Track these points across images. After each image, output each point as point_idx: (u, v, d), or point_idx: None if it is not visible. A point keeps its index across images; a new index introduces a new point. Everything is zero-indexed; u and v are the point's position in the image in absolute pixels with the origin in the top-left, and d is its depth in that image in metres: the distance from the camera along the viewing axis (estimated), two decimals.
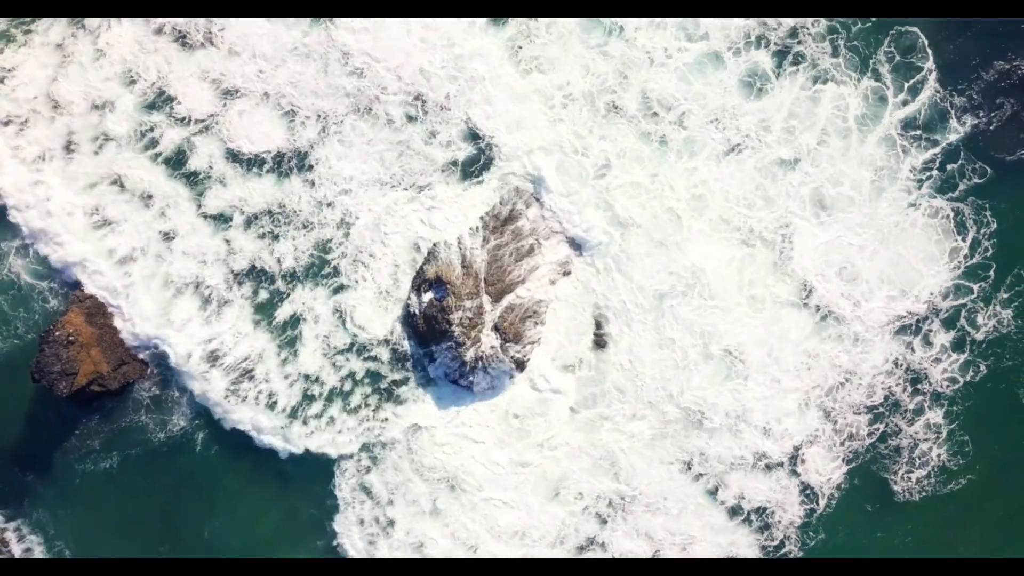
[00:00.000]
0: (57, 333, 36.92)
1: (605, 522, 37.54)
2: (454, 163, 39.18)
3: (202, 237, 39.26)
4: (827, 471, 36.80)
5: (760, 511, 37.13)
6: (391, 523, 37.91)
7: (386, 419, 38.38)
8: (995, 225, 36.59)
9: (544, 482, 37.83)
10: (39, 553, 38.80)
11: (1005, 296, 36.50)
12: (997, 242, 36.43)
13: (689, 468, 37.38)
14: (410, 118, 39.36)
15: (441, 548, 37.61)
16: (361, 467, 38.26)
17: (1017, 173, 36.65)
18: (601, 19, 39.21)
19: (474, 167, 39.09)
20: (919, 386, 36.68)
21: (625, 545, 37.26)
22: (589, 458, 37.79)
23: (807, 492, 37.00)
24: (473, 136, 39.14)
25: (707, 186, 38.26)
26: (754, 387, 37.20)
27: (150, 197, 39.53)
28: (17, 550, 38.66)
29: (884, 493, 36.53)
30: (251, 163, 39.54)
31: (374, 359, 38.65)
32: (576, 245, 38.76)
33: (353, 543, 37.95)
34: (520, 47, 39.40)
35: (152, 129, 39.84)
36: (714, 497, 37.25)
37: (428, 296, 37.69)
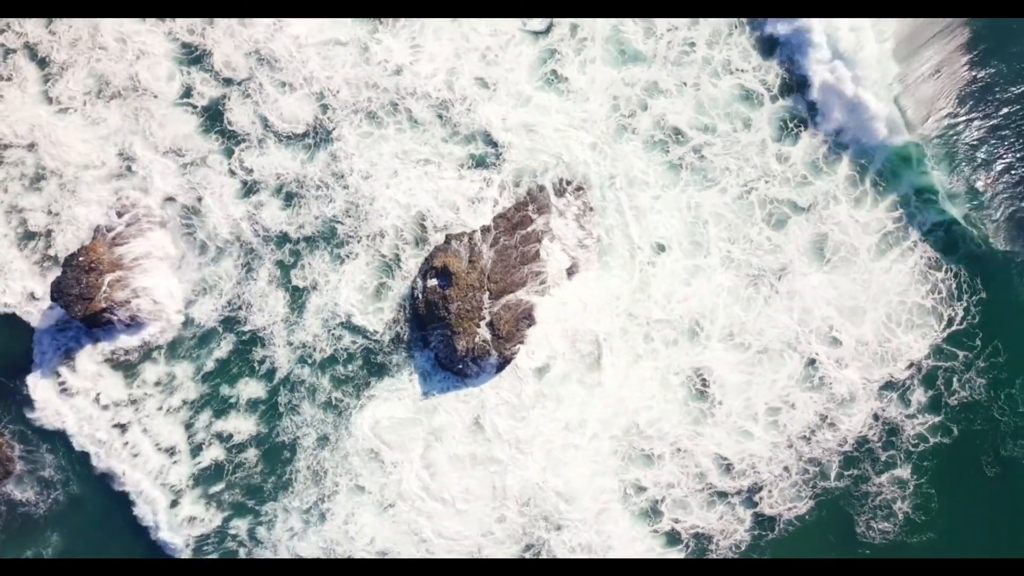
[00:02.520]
0: (80, 259, 39.29)
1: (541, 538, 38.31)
2: (471, 163, 41.14)
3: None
4: (786, 505, 37.18)
5: (700, 536, 37.55)
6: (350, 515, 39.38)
7: (372, 395, 39.86)
8: (984, 294, 37.21)
9: (494, 484, 38.82)
10: None
11: (982, 365, 36.83)
12: (983, 310, 37.03)
13: (639, 492, 38.00)
14: (438, 116, 41.57)
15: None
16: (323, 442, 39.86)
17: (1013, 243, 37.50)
18: (632, 45, 41.46)
19: (491, 170, 40.95)
20: (893, 439, 37.01)
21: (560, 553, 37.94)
22: (538, 466, 38.66)
23: (761, 521, 37.34)
24: (492, 143, 41.13)
25: (710, 218, 39.61)
26: (723, 421, 37.93)
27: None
28: None
29: (847, 530, 36.72)
30: (278, 137, 42.16)
31: (370, 334, 40.40)
32: (578, 257, 40.23)
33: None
34: (549, 64, 41.51)
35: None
36: (655, 518, 37.84)
37: (433, 282, 39.32)
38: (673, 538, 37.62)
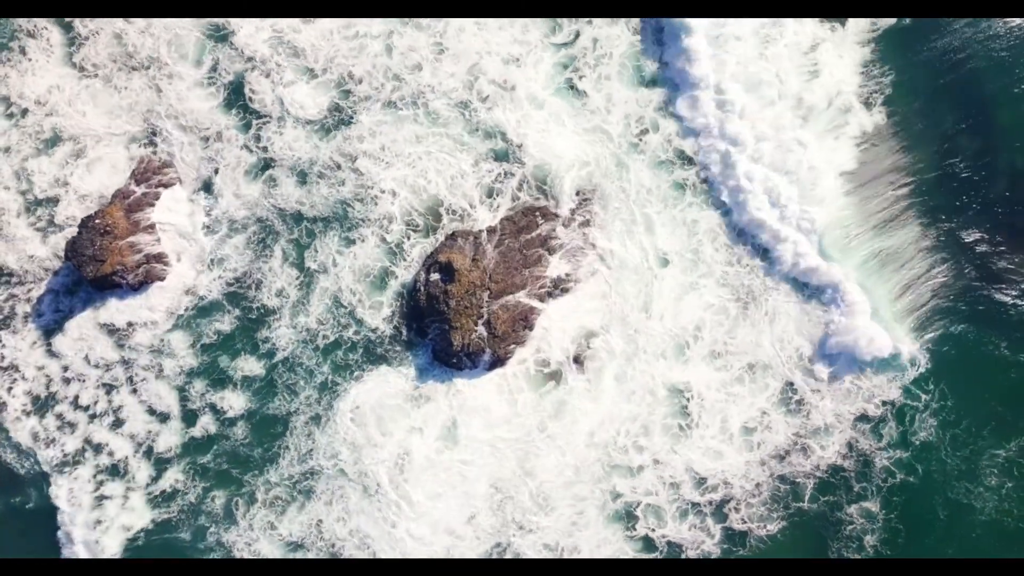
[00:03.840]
0: (96, 221, 40.35)
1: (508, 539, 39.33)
2: (487, 158, 42.36)
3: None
4: (756, 522, 38.16)
5: (672, 544, 38.48)
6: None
7: (365, 381, 41.01)
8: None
9: (470, 480, 39.84)
10: None
11: (935, 406, 37.84)
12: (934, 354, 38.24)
13: (616, 498, 39.00)
14: (457, 112, 42.89)
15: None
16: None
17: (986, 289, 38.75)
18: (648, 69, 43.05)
19: (505, 166, 42.19)
20: (866, 470, 37.92)
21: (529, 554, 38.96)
22: (516, 468, 39.67)
23: (731, 536, 38.27)
24: (507, 143, 42.37)
25: (705, 236, 40.89)
26: (701, 437, 38.96)
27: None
28: None
29: (819, 554, 37.52)
30: (297, 118, 43.41)
31: (371, 321, 41.57)
32: (579, 265, 41.31)
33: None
34: (567, 73, 42.97)
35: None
36: (629, 523, 38.78)
37: (435, 277, 40.51)
38: (648, 544, 38.48)
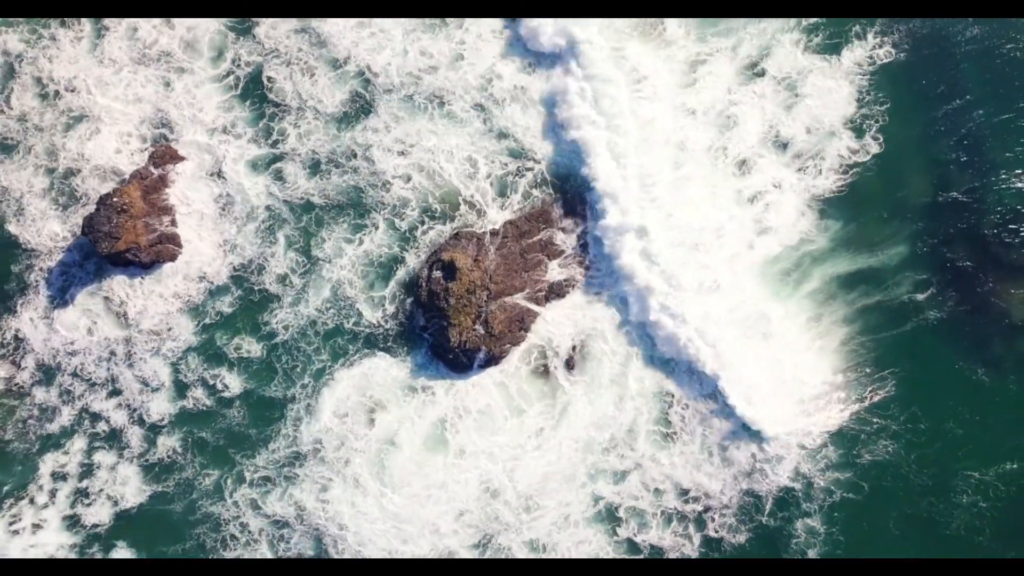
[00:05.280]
0: (115, 199, 41.68)
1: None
2: (500, 154, 43.48)
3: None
4: (727, 531, 39.21)
5: (654, 548, 39.46)
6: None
7: (360, 371, 42.08)
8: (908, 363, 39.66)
9: (462, 473, 40.84)
10: None
11: (895, 429, 38.93)
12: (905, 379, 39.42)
13: (598, 500, 40.00)
14: (474, 111, 44.05)
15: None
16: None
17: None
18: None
19: (511, 177, 43.28)
20: (810, 490, 38.96)
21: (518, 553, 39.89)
22: (505, 465, 40.68)
23: (708, 542, 39.32)
24: (522, 146, 43.54)
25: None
26: (682, 449, 39.98)
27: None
28: None
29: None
30: (315, 109, 44.60)
31: (373, 312, 42.68)
32: (576, 273, 42.45)
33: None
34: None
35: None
36: (612, 531, 39.77)
37: (437, 274, 41.59)
38: (632, 546, 39.46)
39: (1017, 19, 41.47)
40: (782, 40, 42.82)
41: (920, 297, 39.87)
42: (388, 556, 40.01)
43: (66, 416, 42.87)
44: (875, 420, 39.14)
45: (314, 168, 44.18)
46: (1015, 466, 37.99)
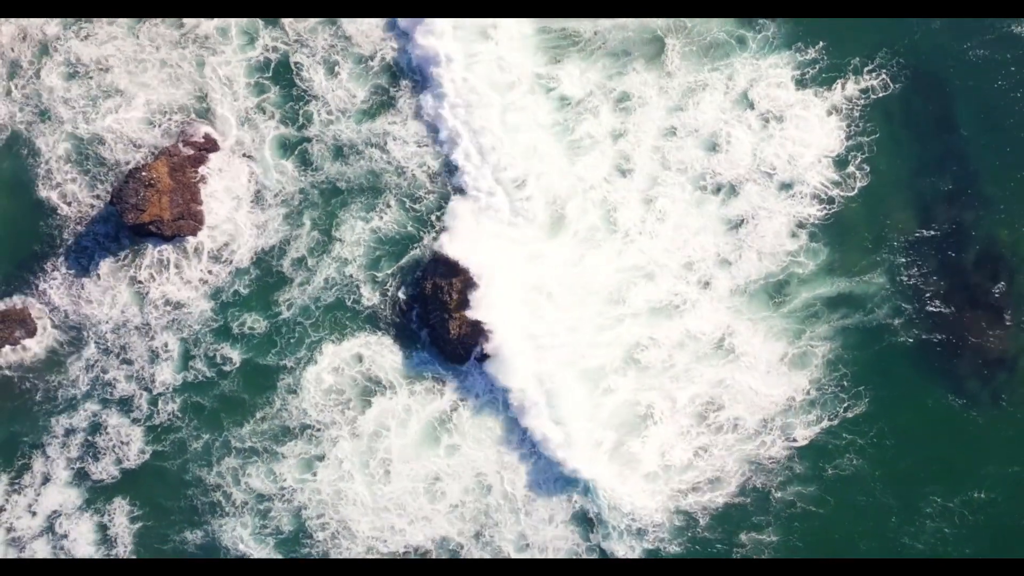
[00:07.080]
0: (143, 173, 43.77)
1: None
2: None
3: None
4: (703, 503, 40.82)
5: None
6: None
7: (360, 360, 43.76)
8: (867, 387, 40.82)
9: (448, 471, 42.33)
10: None
11: (861, 443, 40.27)
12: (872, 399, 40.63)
13: (572, 502, 41.62)
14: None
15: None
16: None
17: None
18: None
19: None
20: (766, 504, 40.43)
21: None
22: (495, 463, 42.24)
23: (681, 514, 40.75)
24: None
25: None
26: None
27: None
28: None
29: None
30: (340, 98, 45.90)
31: (378, 300, 44.21)
32: None
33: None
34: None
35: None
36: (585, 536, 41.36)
37: (442, 268, 43.04)
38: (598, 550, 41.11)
39: (1012, 58, 42.03)
40: (773, 74, 43.15)
41: (896, 323, 40.93)
42: (374, 539, 41.73)
43: (83, 382, 44.79)
44: (845, 435, 40.44)
45: (338, 153, 45.08)
46: (981, 495, 39.08)
